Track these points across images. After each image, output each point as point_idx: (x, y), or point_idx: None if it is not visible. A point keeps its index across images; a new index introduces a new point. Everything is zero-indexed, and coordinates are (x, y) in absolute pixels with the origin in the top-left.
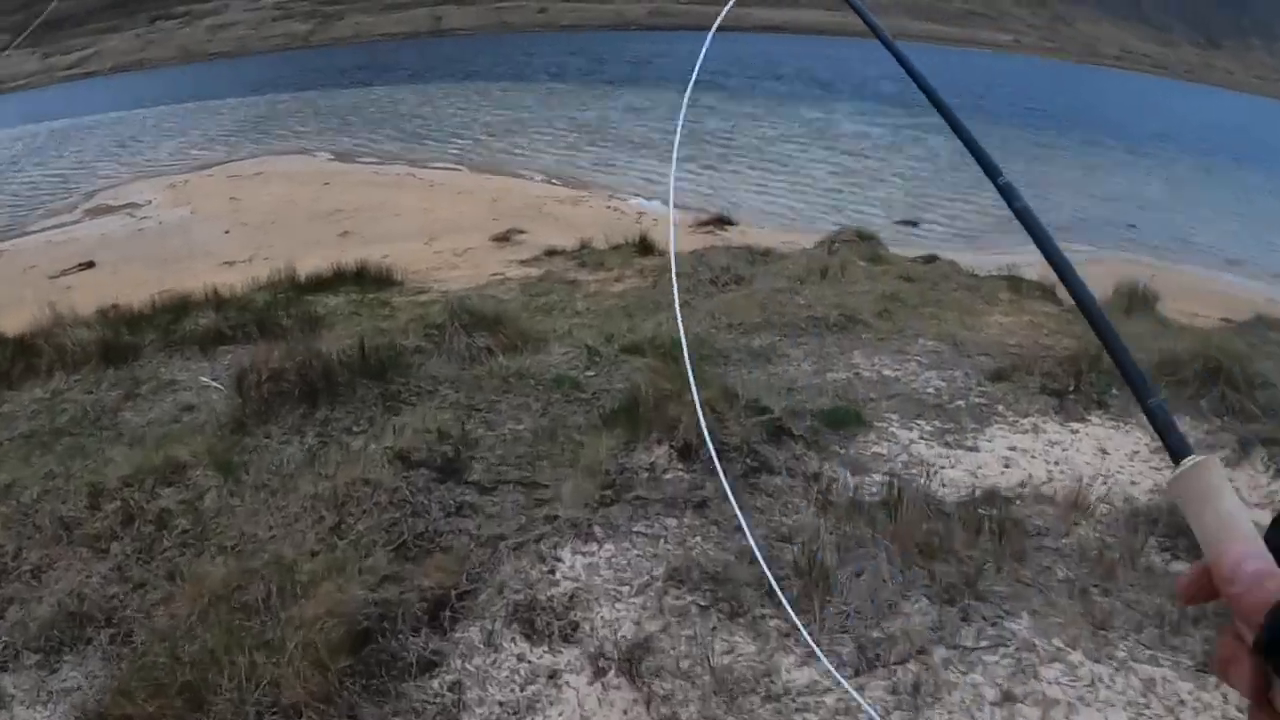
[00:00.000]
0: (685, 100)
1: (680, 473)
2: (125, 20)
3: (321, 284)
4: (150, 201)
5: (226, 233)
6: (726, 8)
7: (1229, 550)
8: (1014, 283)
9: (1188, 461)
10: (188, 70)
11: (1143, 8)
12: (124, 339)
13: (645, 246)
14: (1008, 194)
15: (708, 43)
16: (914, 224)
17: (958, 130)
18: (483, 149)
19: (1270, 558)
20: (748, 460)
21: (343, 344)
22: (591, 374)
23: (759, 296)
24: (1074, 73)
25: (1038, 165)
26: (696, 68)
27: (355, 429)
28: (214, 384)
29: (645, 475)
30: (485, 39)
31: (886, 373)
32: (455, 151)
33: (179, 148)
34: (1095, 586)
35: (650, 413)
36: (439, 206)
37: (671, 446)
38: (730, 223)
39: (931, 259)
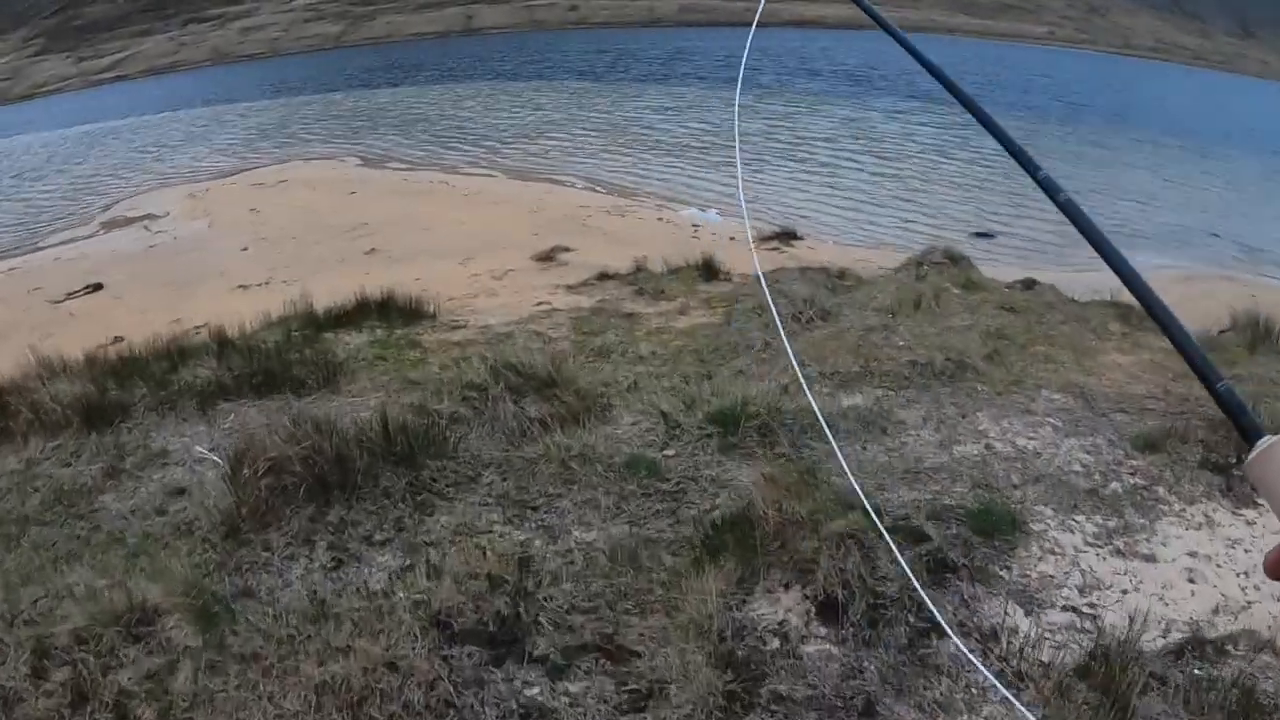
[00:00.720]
0: (736, 114)
1: (825, 644)
2: (159, 24)
3: (342, 318)
4: (168, 213)
5: (244, 249)
6: (761, 5)
7: None
8: (1122, 312)
9: (1263, 442)
10: (219, 72)
11: None
12: (110, 396)
13: (710, 269)
14: (1048, 187)
15: (749, 42)
16: (989, 236)
17: (990, 127)
18: (517, 152)
19: None
20: (910, 619)
21: (362, 411)
22: (671, 454)
23: (851, 336)
24: (1111, 64)
25: (1101, 170)
26: (741, 75)
27: (378, 536)
28: (210, 455)
29: (776, 646)
30: (516, 37)
31: (1021, 443)
32: (489, 156)
33: (204, 153)
34: None
35: (769, 539)
36: (474, 218)
37: (807, 597)
38: (796, 237)
39: (1030, 284)
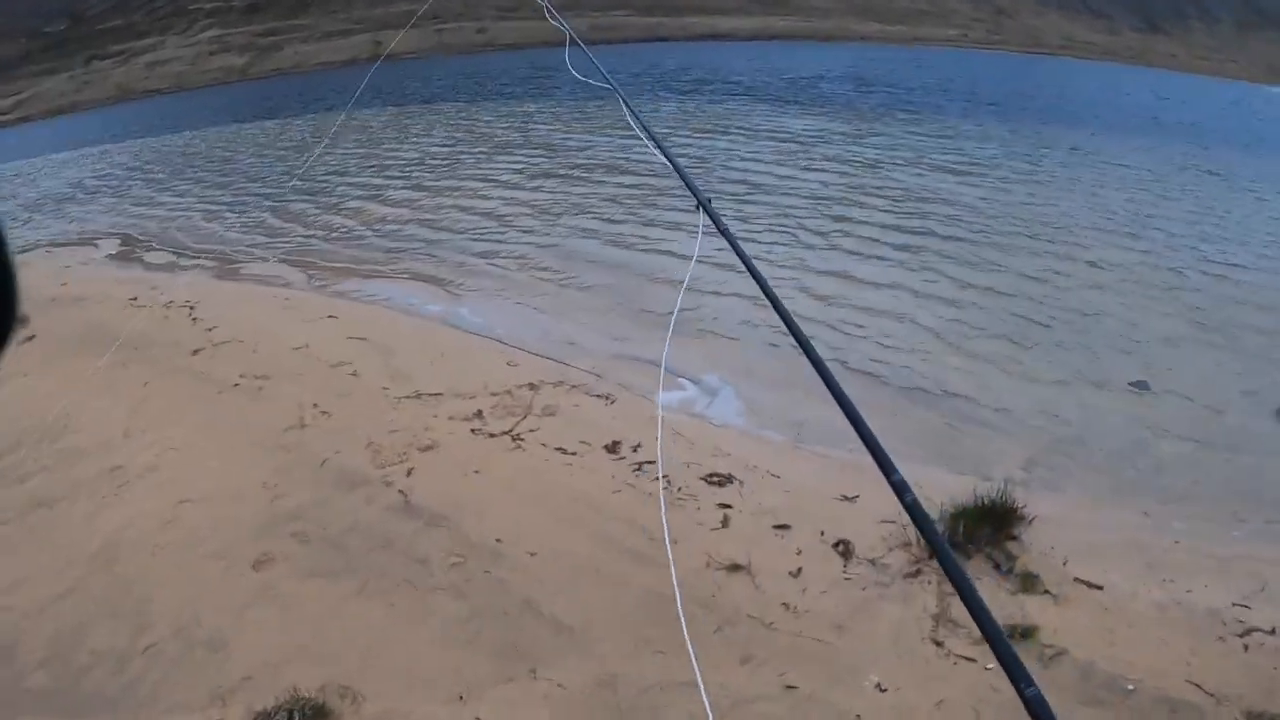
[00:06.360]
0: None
1: None
2: (62, 62)
3: None
4: None
5: None
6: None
7: None
8: None
9: None
10: (115, 111)
11: None
12: None
13: None
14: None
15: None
16: (1143, 386)
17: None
18: (350, 222)
19: None
20: None
21: None
22: None
23: None
24: (1035, 64)
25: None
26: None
27: None
28: None
29: None
30: (425, 63)
31: None
32: (305, 232)
33: None
34: None
35: None
36: (160, 450)
37: None
38: (1015, 513)
39: None
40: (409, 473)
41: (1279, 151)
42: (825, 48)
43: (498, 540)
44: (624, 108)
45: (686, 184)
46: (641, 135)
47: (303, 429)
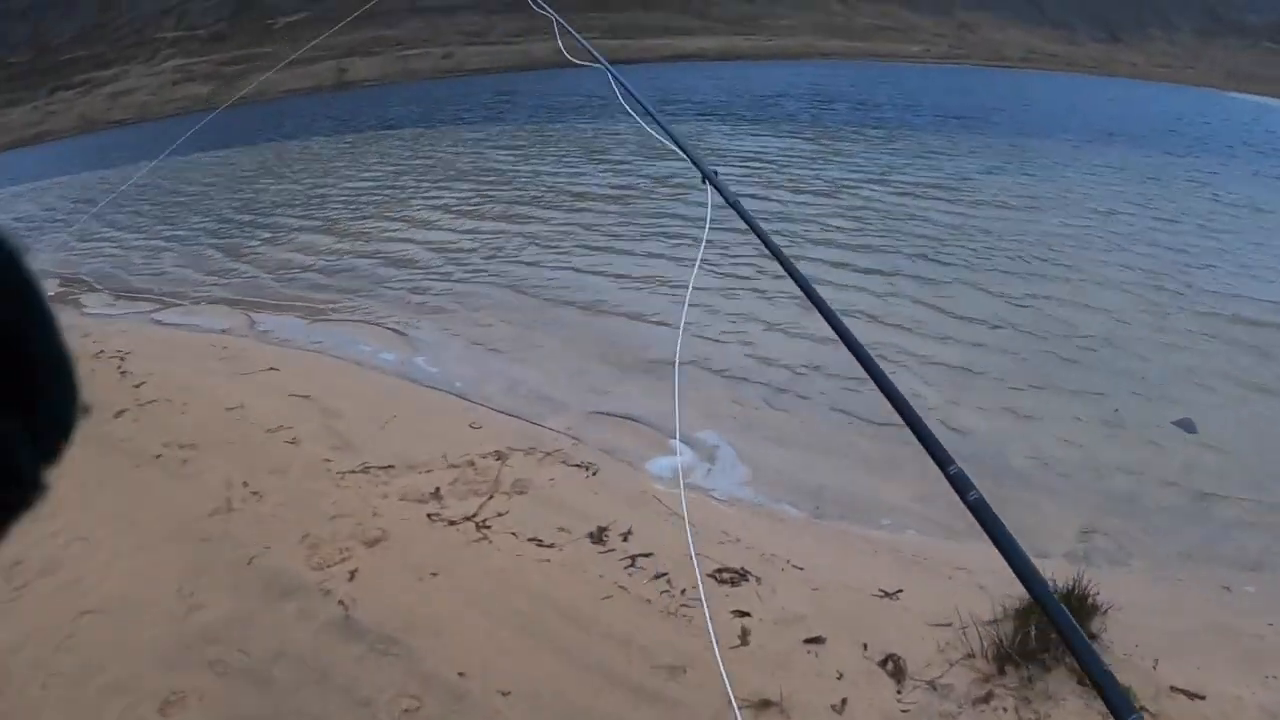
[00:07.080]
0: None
1: None
2: (26, 93)
3: None
4: None
5: None
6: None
7: None
8: None
9: None
10: (76, 143)
11: (1043, 8)
12: None
13: None
14: (959, 483)
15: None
16: (1189, 428)
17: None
18: (299, 259)
19: None
20: None
21: None
22: None
23: None
24: (999, 77)
25: None
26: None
27: None
28: None
29: None
30: (388, 89)
31: None
32: (252, 271)
33: None
34: None
35: None
36: (65, 528)
37: None
38: None
39: None
40: (351, 575)
41: (1251, 160)
42: (791, 66)
43: (460, 674)
44: (614, 86)
45: (690, 158)
46: (634, 114)
47: (229, 514)
